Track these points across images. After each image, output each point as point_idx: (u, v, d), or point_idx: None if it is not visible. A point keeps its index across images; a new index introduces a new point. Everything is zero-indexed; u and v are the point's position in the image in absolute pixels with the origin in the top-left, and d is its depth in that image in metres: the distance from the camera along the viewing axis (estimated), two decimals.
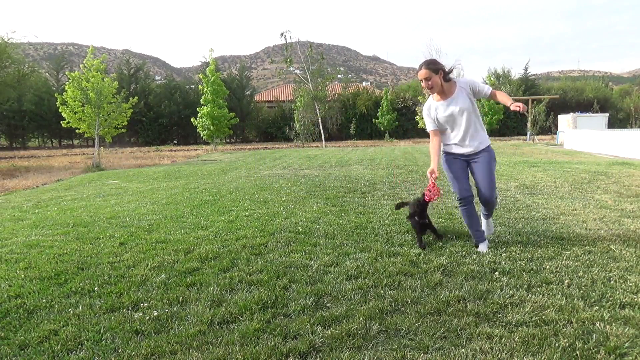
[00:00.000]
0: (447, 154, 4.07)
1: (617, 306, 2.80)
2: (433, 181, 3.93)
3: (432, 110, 3.94)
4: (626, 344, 2.35)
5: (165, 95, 38.88)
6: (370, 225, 4.99)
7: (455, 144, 3.98)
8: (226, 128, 26.78)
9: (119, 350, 2.43)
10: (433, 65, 3.80)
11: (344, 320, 2.68)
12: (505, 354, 2.29)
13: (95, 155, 16.80)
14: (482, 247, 3.99)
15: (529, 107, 28.86)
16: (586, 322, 2.59)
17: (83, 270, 3.76)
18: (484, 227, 4.28)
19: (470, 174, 4.09)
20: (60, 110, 16.09)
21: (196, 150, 27.16)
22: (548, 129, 30.66)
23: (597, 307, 2.78)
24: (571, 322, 2.60)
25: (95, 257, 4.13)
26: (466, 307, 2.80)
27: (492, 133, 32.60)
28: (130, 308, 2.96)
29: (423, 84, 3.81)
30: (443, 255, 3.85)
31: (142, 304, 3.00)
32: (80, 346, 2.50)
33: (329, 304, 2.93)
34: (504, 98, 3.78)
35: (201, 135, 26.90)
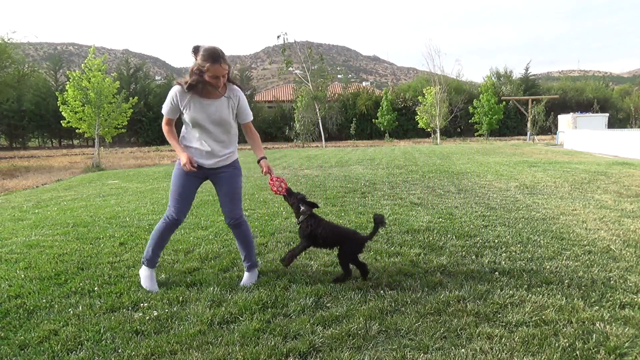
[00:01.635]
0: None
1: (617, 306, 2.80)
2: (269, 174, 3.38)
3: (181, 100, 3.16)
4: (626, 344, 2.35)
5: (165, 95, 38.77)
6: (370, 225, 4.97)
7: (196, 148, 3.27)
8: None
9: (119, 350, 2.42)
10: (227, 59, 3.10)
11: (344, 320, 2.68)
12: (505, 354, 2.29)
13: (95, 155, 16.81)
14: (146, 277, 3.33)
15: (529, 107, 28.88)
16: (586, 322, 2.59)
17: (83, 270, 3.76)
18: (246, 280, 3.38)
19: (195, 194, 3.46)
20: (60, 109, 16.10)
21: None
22: (548, 129, 30.71)
23: (597, 307, 2.78)
24: (571, 322, 2.60)
25: (95, 257, 4.12)
26: (466, 307, 2.80)
27: (492, 133, 32.63)
28: (130, 308, 2.96)
29: (216, 81, 3.05)
30: (443, 255, 3.85)
31: (142, 304, 3.00)
32: (80, 346, 2.49)
33: (329, 304, 2.93)
34: (256, 145, 3.40)
35: None
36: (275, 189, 3.40)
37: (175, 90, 3.19)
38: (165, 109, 3.25)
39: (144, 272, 3.35)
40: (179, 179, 3.30)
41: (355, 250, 3.34)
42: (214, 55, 2.99)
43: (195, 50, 3.05)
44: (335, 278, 3.32)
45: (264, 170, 3.38)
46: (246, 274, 3.44)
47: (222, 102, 3.21)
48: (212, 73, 3.00)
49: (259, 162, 3.40)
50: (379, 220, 3.30)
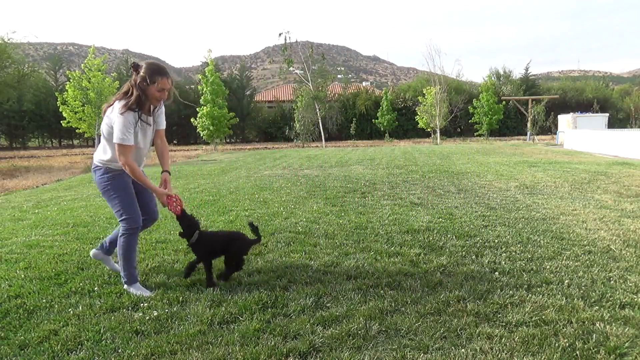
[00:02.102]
0: (116, 171, 3.23)
1: (617, 306, 2.80)
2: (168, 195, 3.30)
3: (135, 124, 3.11)
4: (626, 344, 2.35)
5: None
6: (370, 225, 4.99)
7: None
8: (226, 128, 26.78)
9: (119, 350, 2.43)
10: None
11: (344, 320, 2.68)
12: (505, 354, 2.29)
13: None
14: (135, 289, 3.25)
15: (529, 107, 28.89)
16: (586, 322, 2.59)
17: (83, 270, 3.76)
18: (114, 265, 3.63)
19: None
20: (60, 109, 16.12)
21: (196, 150, 27.16)
22: (548, 129, 30.67)
23: (597, 307, 2.78)
24: (571, 322, 2.60)
25: None
26: (466, 307, 2.81)
27: (492, 133, 32.62)
28: (130, 308, 2.96)
29: (162, 94, 3.15)
30: (443, 255, 3.85)
31: (142, 304, 3.00)
32: (80, 346, 2.50)
33: (329, 304, 2.93)
34: (165, 155, 3.45)
35: (201, 135, 26.91)
36: (171, 207, 3.29)
37: (131, 115, 3.04)
38: (126, 136, 3.00)
39: (130, 289, 3.25)
40: (122, 190, 3.26)
41: (243, 251, 3.46)
42: (162, 70, 3.11)
43: (136, 66, 3.11)
44: (221, 274, 3.38)
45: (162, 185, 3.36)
46: (111, 260, 3.65)
47: (154, 117, 3.29)
48: (160, 87, 3.09)
49: (162, 173, 3.40)
50: (252, 226, 3.50)
